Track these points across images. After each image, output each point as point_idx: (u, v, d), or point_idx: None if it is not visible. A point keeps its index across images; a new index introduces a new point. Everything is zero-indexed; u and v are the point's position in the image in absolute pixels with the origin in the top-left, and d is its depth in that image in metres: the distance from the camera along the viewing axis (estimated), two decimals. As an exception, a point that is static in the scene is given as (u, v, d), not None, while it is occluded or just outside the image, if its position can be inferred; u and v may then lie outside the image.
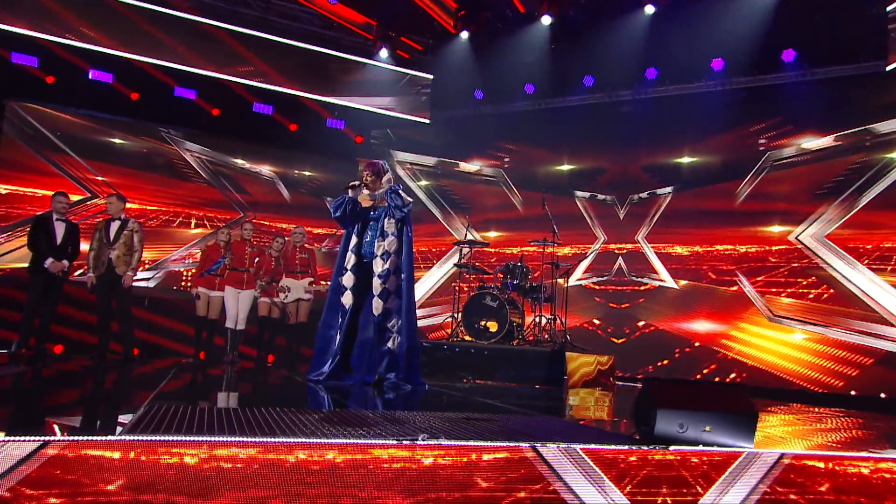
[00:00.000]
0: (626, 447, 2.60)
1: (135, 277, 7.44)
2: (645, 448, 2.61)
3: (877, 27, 9.04)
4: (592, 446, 2.56)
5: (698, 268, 10.39)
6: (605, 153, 11.18)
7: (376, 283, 5.61)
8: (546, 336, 8.34)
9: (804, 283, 9.62)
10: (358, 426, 2.93)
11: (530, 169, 11.66)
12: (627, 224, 10.89)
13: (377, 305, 5.58)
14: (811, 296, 9.53)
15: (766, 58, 9.81)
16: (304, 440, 2.37)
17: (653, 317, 10.57)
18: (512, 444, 2.51)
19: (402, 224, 5.72)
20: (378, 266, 5.63)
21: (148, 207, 10.71)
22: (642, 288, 10.72)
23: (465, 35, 11.14)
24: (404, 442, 2.45)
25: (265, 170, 11.60)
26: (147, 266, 10.42)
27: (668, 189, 10.71)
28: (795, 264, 9.71)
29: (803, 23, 9.38)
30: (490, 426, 3.20)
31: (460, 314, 8.34)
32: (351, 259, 5.76)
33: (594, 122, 10.95)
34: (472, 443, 2.50)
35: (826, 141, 9.65)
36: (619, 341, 10.54)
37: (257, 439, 2.34)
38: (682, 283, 10.46)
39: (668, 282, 10.54)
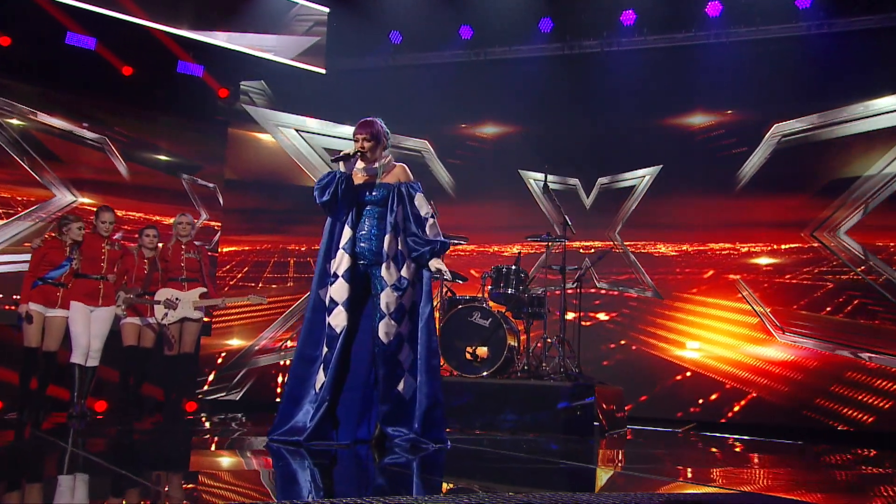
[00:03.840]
0: None
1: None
2: None
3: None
4: None
5: (688, 272, 10.26)
6: (566, 122, 10.83)
7: (387, 296, 5.23)
8: (546, 366, 8.03)
9: (822, 291, 9.64)
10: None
11: (453, 142, 11.24)
12: (596, 215, 10.62)
13: (387, 329, 5.22)
14: (830, 308, 9.58)
15: (777, 3, 9.79)
16: None
17: (631, 335, 10.33)
18: None
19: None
20: (388, 271, 5.26)
21: None
22: (617, 298, 10.47)
23: (380, -46, 10.47)
24: None
25: (90, 134, 10.27)
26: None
27: (649, 171, 10.50)
28: (812, 268, 9.72)
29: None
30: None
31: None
32: (343, 261, 5.31)
33: (552, 79, 10.57)
34: None
35: (852, 110, 9.69)
36: (588, 369, 10.16)
37: None
38: (668, 292, 10.28)
39: (651, 290, 10.32)
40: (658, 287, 10.33)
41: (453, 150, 11.24)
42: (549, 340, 8.25)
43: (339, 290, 5.27)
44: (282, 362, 10.90)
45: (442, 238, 5.41)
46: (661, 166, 10.46)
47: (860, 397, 9.25)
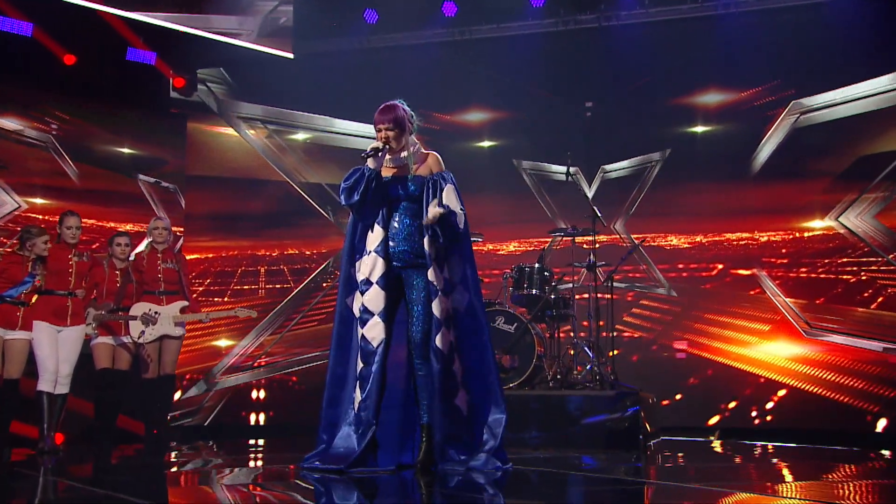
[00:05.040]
0: None
1: None
2: None
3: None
4: None
5: (703, 265, 10.14)
6: (563, 105, 10.66)
7: (441, 302, 5.07)
8: (577, 373, 7.96)
9: (851, 281, 9.56)
10: None
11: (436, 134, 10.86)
12: (599, 206, 10.13)
13: (442, 339, 5.06)
14: (860, 299, 9.50)
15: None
16: None
17: (645, 337, 10.21)
18: None
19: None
20: (436, 274, 5.10)
21: None
22: (626, 295, 10.28)
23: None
24: None
25: (32, 132, 9.84)
26: None
27: (656, 156, 10.34)
28: (838, 257, 9.64)
29: None
30: None
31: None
32: (377, 266, 5.16)
33: (546, 59, 10.36)
34: None
35: (878, 83, 9.57)
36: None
37: None
38: (682, 287, 10.13)
39: (662, 286, 10.17)
40: (671, 282, 10.17)
41: (437, 140, 10.86)
42: (579, 346, 8.15)
43: (374, 299, 5.13)
44: (255, 381, 10.55)
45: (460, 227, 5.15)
46: (669, 150, 10.30)
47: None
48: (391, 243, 5.16)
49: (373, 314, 5.12)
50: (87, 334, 7.54)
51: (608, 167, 10.49)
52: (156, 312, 7.73)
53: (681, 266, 10.22)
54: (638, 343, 10.23)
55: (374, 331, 5.11)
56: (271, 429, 10.42)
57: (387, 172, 5.20)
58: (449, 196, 5.12)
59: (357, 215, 5.22)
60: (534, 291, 8.05)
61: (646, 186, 10.32)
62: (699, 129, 10.31)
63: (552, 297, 8.08)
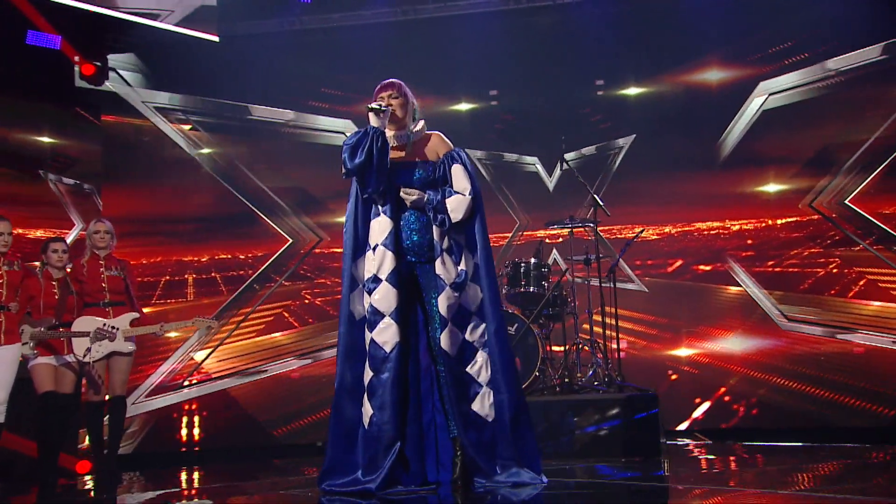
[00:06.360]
0: None
1: None
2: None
3: None
4: None
5: (673, 257, 9.78)
6: (519, 91, 10.23)
7: (447, 297, 4.78)
8: (581, 376, 7.70)
9: (827, 270, 9.31)
10: None
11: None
12: (560, 199, 9.93)
13: (451, 339, 4.77)
14: (837, 288, 9.26)
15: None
16: None
17: (613, 334, 9.54)
18: None
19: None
20: (444, 267, 4.81)
21: None
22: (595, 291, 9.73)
23: None
24: None
25: None
26: None
27: (621, 143, 9.94)
28: (813, 244, 9.38)
29: None
30: None
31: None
32: (385, 261, 4.82)
33: (499, 41, 9.85)
34: None
35: (849, 59, 9.35)
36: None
37: None
38: (652, 281, 9.74)
39: (633, 281, 9.74)
40: (640, 276, 9.77)
41: None
42: (582, 346, 7.93)
43: (384, 298, 4.79)
44: (186, 404, 9.64)
45: (456, 217, 4.82)
46: (633, 136, 9.91)
47: (880, 388, 8.94)
48: (402, 235, 4.88)
49: (383, 315, 4.78)
50: (23, 355, 6.95)
51: (570, 156, 9.91)
52: (113, 327, 7.12)
53: (647, 257, 9.85)
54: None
55: (385, 334, 4.77)
56: (206, 454, 9.60)
57: (392, 156, 4.88)
58: (458, 174, 4.90)
59: (361, 183, 4.85)
60: (531, 289, 7.82)
61: (609, 175, 9.89)
62: (663, 112, 9.92)
63: (550, 295, 7.79)
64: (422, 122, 5.07)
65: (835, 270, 9.31)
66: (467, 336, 4.84)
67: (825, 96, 9.45)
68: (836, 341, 9.19)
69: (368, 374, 4.81)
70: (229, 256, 10.11)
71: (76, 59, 9.69)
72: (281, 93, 10.38)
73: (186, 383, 9.66)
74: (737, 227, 9.66)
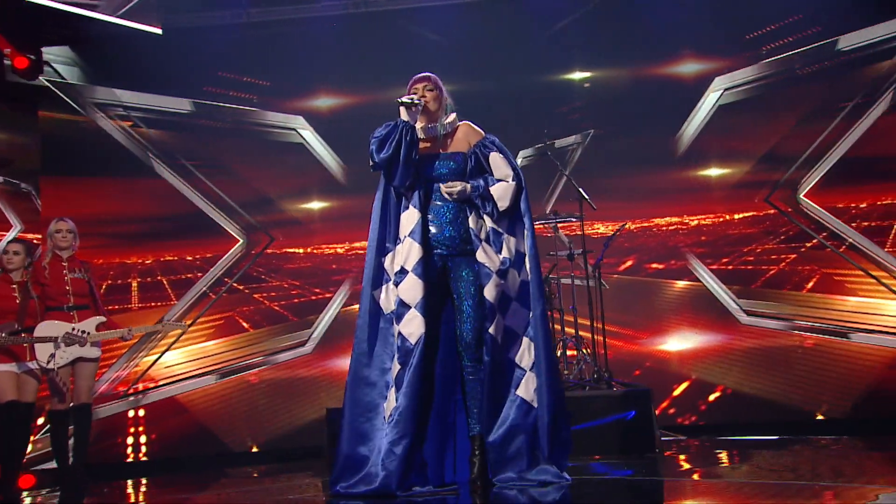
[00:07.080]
0: None
1: None
2: None
3: None
4: None
5: (632, 253, 9.75)
6: (472, 84, 9.75)
7: (494, 286, 4.75)
8: (568, 372, 7.80)
9: (784, 264, 9.37)
10: None
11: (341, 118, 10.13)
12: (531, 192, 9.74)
13: (496, 329, 4.76)
14: (794, 282, 9.32)
15: None
16: None
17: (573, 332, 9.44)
18: None
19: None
20: (487, 256, 4.79)
21: None
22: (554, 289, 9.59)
23: None
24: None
25: None
26: None
27: (574, 139, 9.82)
28: (770, 239, 9.43)
29: None
30: None
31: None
32: (412, 253, 4.82)
33: (451, 33, 9.75)
34: None
35: (803, 55, 9.40)
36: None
37: None
38: (611, 277, 9.60)
39: (592, 278, 9.51)
40: (599, 272, 9.59)
41: (338, 128, 10.08)
42: (568, 343, 8.08)
43: (410, 290, 4.78)
44: (131, 412, 9.26)
45: (504, 205, 4.84)
46: (591, 132, 9.81)
47: (836, 382, 9.04)
48: (432, 228, 4.88)
49: (409, 307, 4.77)
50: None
51: (526, 152, 9.82)
52: (83, 332, 6.87)
53: (609, 258, 9.61)
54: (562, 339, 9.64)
55: (410, 326, 4.75)
56: (154, 464, 9.21)
57: (422, 147, 4.94)
58: (497, 162, 4.92)
59: (388, 177, 4.89)
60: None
61: (566, 172, 9.67)
62: (620, 106, 9.82)
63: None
64: (453, 115, 5.06)
65: (789, 266, 9.35)
66: (507, 322, 4.84)
67: (779, 92, 9.45)
68: (794, 335, 9.23)
69: (396, 368, 4.79)
70: (176, 258, 9.73)
71: (7, 51, 9.13)
72: (228, 88, 10.04)
73: (132, 391, 9.26)
74: (695, 223, 9.63)
